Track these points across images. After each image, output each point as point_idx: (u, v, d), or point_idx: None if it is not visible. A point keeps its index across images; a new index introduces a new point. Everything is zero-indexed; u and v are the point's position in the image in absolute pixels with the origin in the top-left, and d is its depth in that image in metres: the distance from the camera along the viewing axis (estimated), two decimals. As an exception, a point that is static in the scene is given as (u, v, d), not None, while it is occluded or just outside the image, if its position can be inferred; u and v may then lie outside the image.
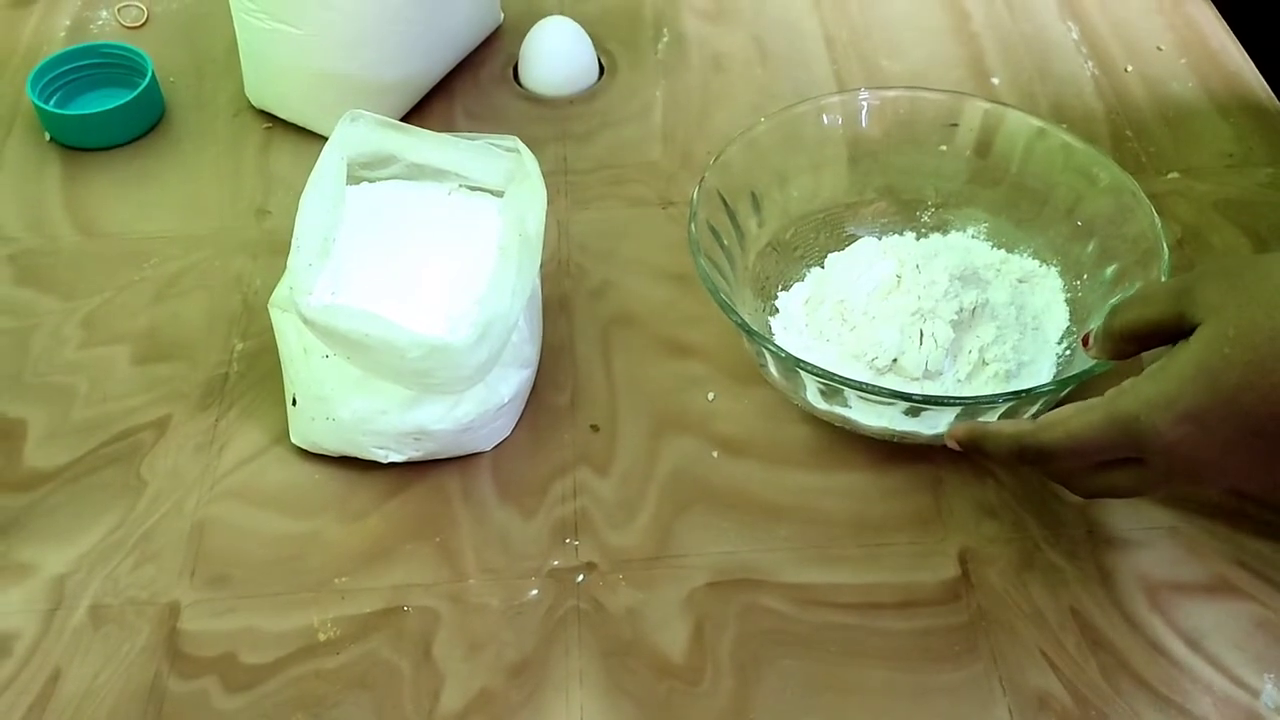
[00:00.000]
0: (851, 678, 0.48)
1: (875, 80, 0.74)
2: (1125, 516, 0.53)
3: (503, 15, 0.79)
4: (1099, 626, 0.49)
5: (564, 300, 0.62)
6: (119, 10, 0.81)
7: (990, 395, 0.52)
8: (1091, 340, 0.48)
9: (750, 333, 0.52)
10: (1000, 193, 0.61)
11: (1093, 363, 0.49)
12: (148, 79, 0.71)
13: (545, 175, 0.57)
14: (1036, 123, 0.60)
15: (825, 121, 0.62)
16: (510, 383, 0.55)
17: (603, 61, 0.76)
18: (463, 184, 0.60)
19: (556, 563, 0.52)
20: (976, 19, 0.79)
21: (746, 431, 0.56)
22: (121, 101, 0.70)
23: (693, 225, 0.55)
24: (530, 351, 0.57)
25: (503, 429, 0.56)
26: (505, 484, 0.55)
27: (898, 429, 0.53)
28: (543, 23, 0.75)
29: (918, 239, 0.62)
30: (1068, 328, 0.58)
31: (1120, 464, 0.46)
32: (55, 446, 0.56)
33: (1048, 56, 0.76)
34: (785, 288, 0.61)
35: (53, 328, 0.62)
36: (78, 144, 0.71)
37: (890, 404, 0.51)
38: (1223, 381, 0.41)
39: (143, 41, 0.76)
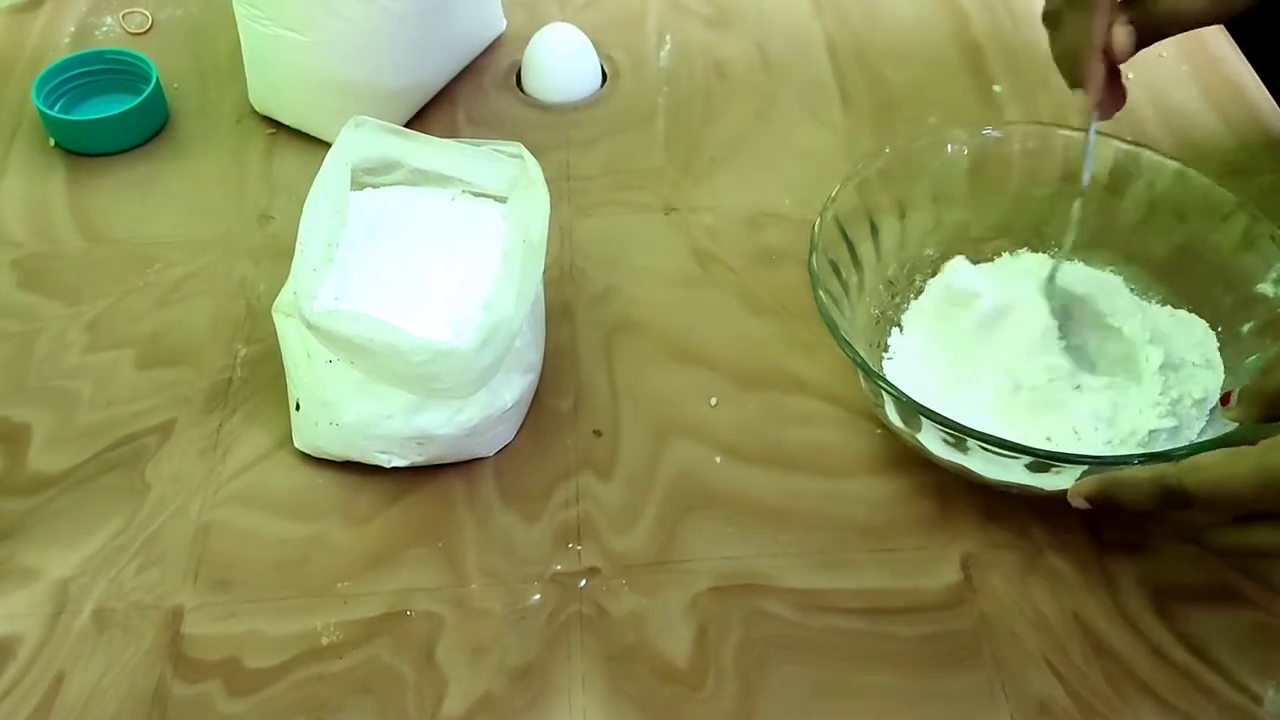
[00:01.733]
0: (855, 683, 0.48)
1: (878, 86, 0.75)
2: (1129, 523, 0.53)
3: (505, 22, 0.79)
4: (1102, 632, 0.49)
5: (567, 306, 0.62)
6: (123, 17, 0.81)
7: (1122, 456, 0.50)
8: (1235, 400, 0.46)
9: (870, 373, 0.50)
10: (1132, 236, 0.59)
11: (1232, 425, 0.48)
12: (152, 85, 0.72)
13: (548, 181, 0.57)
14: (1173, 165, 0.58)
15: (949, 151, 0.60)
16: (513, 388, 0.55)
17: (605, 68, 0.77)
18: (466, 190, 0.60)
19: (559, 567, 0.52)
20: (978, 26, 0.79)
21: (749, 437, 0.57)
22: (126, 107, 0.71)
23: (813, 258, 0.54)
24: (533, 357, 0.57)
25: (506, 434, 0.56)
26: (508, 489, 0.55)
27: (1017, 481, 0.51)
28: (545, 30, 0.75)
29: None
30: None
31: (1263, 520, 0.43)
32: (59, 451, 0.56)
33: (1049, 63, 0.75)
34: (899, 325, 0.58)
35: (57, 332, 0.62)
36: (82, 149, 0.71)
37: (1015, 458, 0.49)
38: None
39: (147, 48, 0.76)
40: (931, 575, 0.51)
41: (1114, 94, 0.55)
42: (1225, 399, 0.47)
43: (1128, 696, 0.47)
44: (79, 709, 0.48)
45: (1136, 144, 0.59)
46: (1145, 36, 0.53)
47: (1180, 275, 0.59)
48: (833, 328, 0.52)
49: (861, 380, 0.53)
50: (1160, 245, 0.59)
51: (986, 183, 0.61)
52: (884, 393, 0.50)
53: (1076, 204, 0.57)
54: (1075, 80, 0.55)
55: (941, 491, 0.54)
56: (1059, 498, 0.52)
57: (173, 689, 0.48)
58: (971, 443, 0.49)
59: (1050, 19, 0.56)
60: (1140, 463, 0.48)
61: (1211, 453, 0.44)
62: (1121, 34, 0.52)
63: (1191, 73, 0.75)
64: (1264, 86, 0.74)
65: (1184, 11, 0.53)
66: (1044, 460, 0.49)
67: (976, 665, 0.48)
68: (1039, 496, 0.52)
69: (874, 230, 0.59)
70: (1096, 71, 0.54)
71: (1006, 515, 0.53)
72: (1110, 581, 0.51)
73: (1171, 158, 0.58)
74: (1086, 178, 0.56)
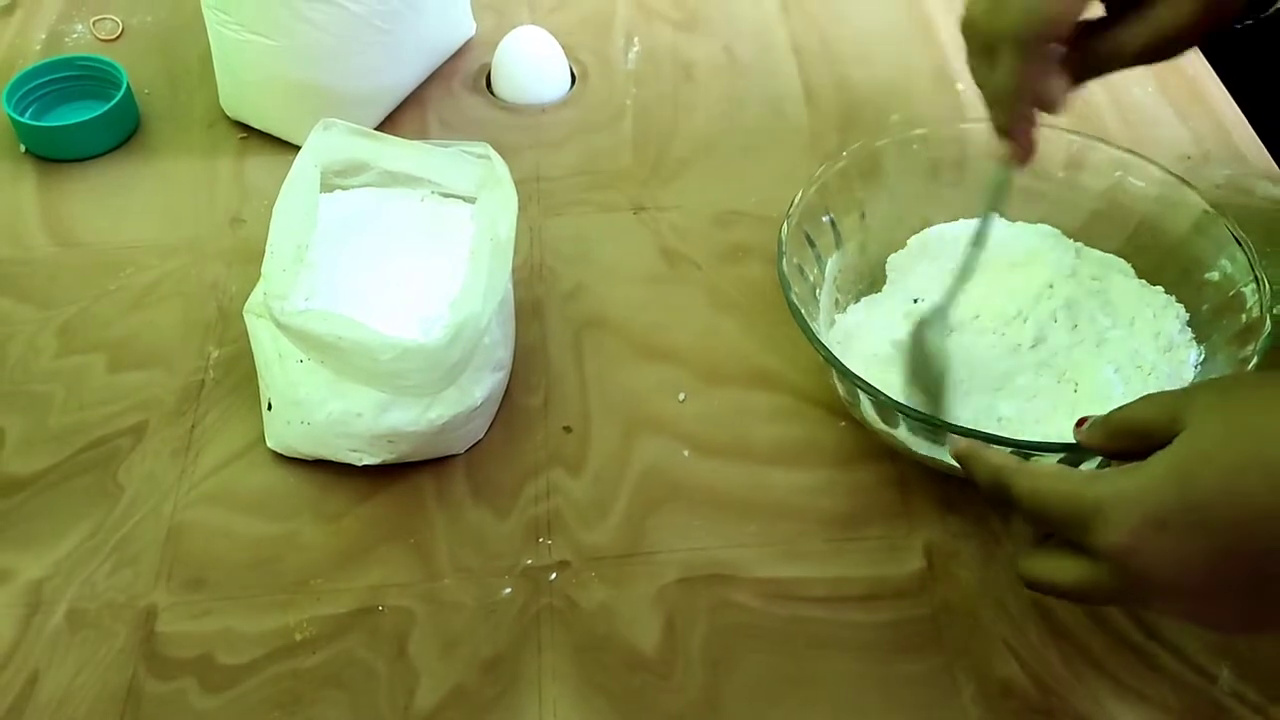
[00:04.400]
0: (819, 670, 0.49)
1: (844, 87, 0.76)
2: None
3: (475, 25, 0.80)
4: (1060, 617, 0.50)
5: (537, 304, 0.63)
6: (94, 23, 0.81)
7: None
8: (1088, 424, 0.45)
9: (847, 374, 0.51)
10: (1086, 225, 0.61)
11: None
12: (122, 91, 0.72)
13: (518, 182, 0.58)
14: (1125, 155, 0.59)
15: (907, 150, 0.61)
16: (483, 385, 0.56)
17: (574, 70, 0.77)
18: (435, 191, 0.61)
19: (530, 561, 0.53)
20: (942, 27, 0.80)
21: (716, 431, 0.57)
22: (96, 113, 0.71)
23: (782, 263, 0.55)
24: (503, 354, 0.58)
25: (476, 431, 0.57)
26: (479, 485, 0.55)
27: None
28: (515, 32, 0.76)
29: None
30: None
31: (1071, 552, 0.41)
32: (32, 453, 0.57)
33: (1011, 62, 0.77)
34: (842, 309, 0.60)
35: (29, 337, 0.62)
36: (53, 155, 0.72)
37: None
38: (1197, 484, 0.37)
39: (118, 54, 0.77)
40: (894, 564, 0.52)
41: (1032, 141, 0.51)
42: (1081, 421, 0.45)
43: (1084, 677, 0.48)
44: (53, 708, 0.48)
45: (1090, 136, 0.61)
46: (1081, 78, 0.49)
47: (1135, 260, 0.60)
48: (807, 331, 0.53)
49: (835, 379, 0.54)
50: (1114, 233, 0.60)
51: (946, 180, 0.62)
52: (860, 391, 0.51)
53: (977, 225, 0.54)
54: (1004, 126, 0.51)
55: (904, 483, 0.55)
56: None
57: (146, 686, 0.49)
58: (950, 436, 0.50)
59: (979, 63, 0.50)
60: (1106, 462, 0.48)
61: (1048, 465, 0.44)
62: (1059, 87, 0.48)
63: (1150, 70, 0.76)
64: (1221, 83, 0.75)
65: (1126, 50, 0.48)
66: (1023, 450, 0.49)
67: (938, 650, 0.49)
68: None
69: (836, 230, 0.60)
70: (1029, 122, 0.50)
71: (967, 505, 0.54)
72: (1069, 567, 0.52)
73: (1125, 149, 0.60)
74: (991, 226, 0.54)
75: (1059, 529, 0.42)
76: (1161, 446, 0.40)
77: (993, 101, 0.50)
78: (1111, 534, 0.39)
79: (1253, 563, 0.37)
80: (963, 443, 0.47)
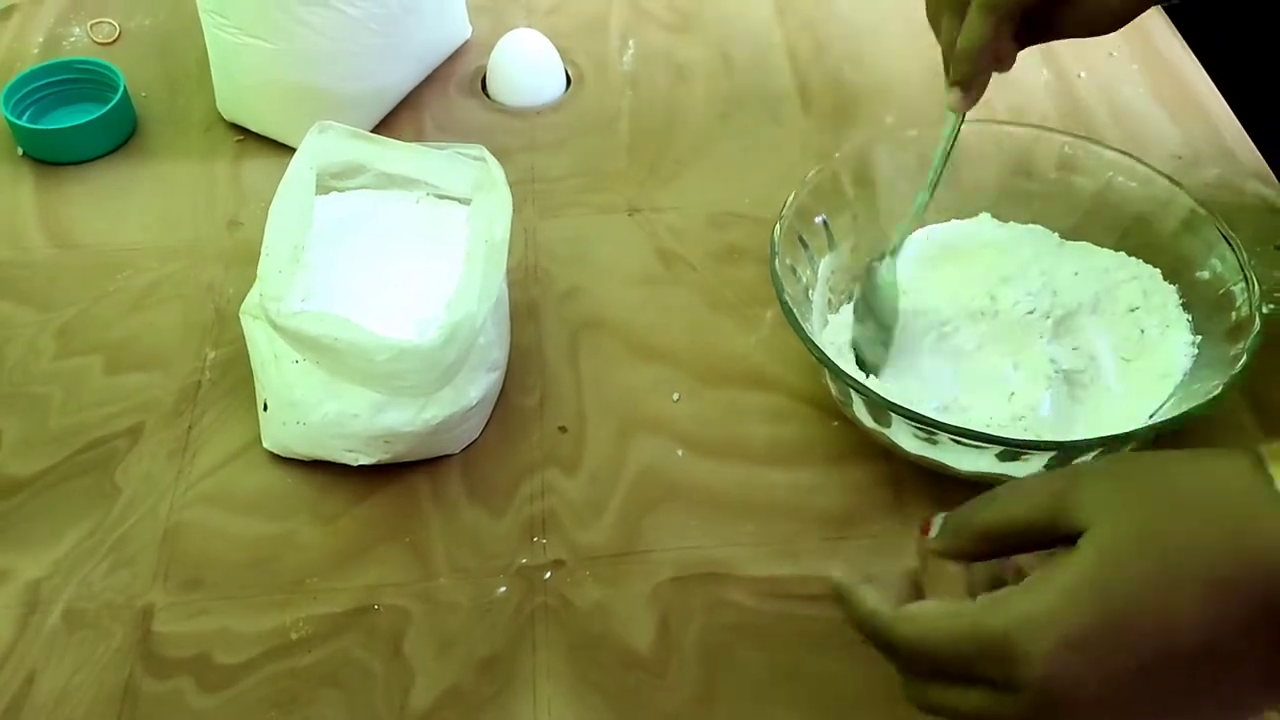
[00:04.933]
0: (812, 667, 0.49)
1: (838, 88, 0.76)
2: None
3: (471, 28, 0.80)
4: (1053, 614, 0.51)
5: (532, 305, 0.63)
6: (91, 27, 0.82)
7: (1086, 440, 0.50)
8: (935, 529, 0.41)
9: (839, 374, 0.51)
10: (1080, 223, 0.61)
11: (1201, 400, 0.49)
12: (120, 94, 0.72)
13: (513, 184, 0.58)
14: (1117, 155, 0.60)
15: (900, 151, 0.61)
16: (478, 385, 0.56)
17: (570, 73, 0.78)
18: (431, 193, 0.61)
19: (525, 560, 0.53)
20: (935, 28, 0.81)
21: (711, 431, 0.58)
22: (94, 116, 0.71)
23: (775, 263, 0.55)
24: (498, 355, 0.58)
25: (472, 431, 0.57)
26: (474, 485, 0.56)
27: (988, 471, 0.51)
28: (510, 35, 0.76)
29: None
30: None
31: (971, 682, 0.37)
32: (31, 454, 0.57)
33: (1004, 64, 0.78)
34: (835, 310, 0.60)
35: (28, 339, 0.62)
36: (51, 159, 0.72)
37: (985, 449, 0.50)
38: (1115, 596, 0.35)
39: (115, 57, 0.77)
40: (887, 561, 0.53)
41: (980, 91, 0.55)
42: (925, 526, 0.42)
43: (1076, 674, 0.49)
44: (50, 707, 0.48)
45: (1082, 137, 0.61)
46: (1026, 42, 0.54)
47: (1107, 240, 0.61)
48: (800, 331, 0.53)
49: (829, 379, 0.54)
50: (1106, 233, 0.61)
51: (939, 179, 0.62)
52: (853, 391, 0.52)
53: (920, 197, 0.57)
54: (964, 79, 0.54)
55: (897, 481, 0.55)
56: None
57: (143, 686, 0.49)
58: (942, 435, 0.50)
59: (947, 19, 0.55)
60: (1099, 446, 0.49)
61: (929, 605, 0.39)
62: (1013, 49, 0.54)
63: (1141, 71, 0.77)
64: (1212, 84, 0.76)
65: (1068, 21, 0.53)
66: (1014, 449, 0.50)
67: (931, 648, 0.50)
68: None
69: (829, 231, 0.60)
70: (986, 78, 0.54)
71: (961, 504, 0.54)
72: (1060, 564, 0.52)
73: (1117, 150, 0.60)
74: (937, 172, 0.56)
75: (956, 669, 0.38)
76: (1041, 547, 0.38)
77: (959, 57, 0.54)
78: (1029, 665, 0.35)
79: (1180, 666, 0.35)
80: (836, 579, 0.42)
